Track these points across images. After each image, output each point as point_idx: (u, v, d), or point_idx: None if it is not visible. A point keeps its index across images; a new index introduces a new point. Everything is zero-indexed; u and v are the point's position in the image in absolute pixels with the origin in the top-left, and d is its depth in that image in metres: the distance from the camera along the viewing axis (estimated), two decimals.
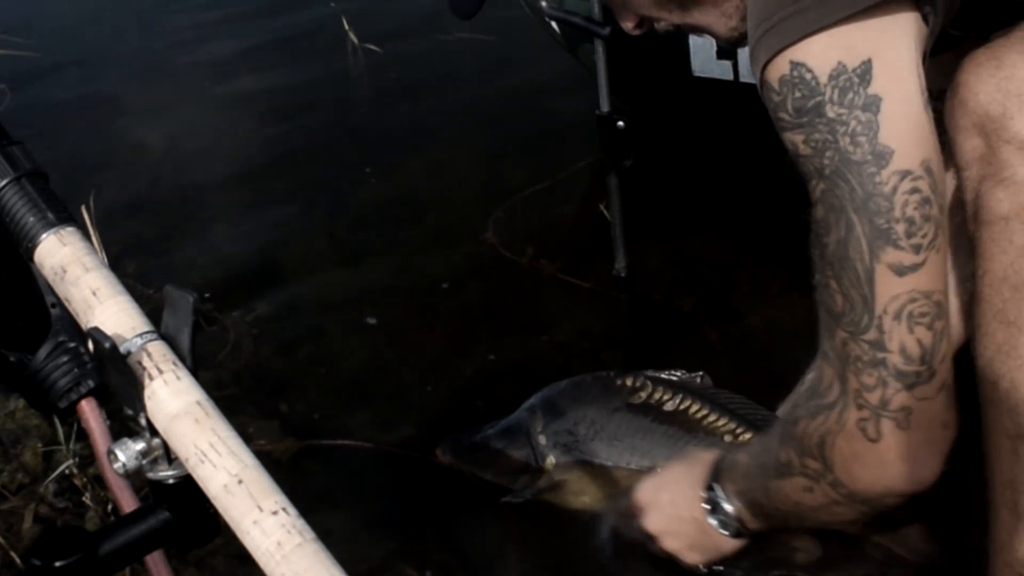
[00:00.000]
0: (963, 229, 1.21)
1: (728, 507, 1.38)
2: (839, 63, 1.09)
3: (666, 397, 1.57)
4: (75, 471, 1.70)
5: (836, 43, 1.09)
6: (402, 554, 1.57)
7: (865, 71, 1.09)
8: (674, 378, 1.60)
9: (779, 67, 1.11)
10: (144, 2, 3.42)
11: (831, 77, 1.09)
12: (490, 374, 1.86)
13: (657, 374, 1.61)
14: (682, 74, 2.03)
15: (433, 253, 2.19)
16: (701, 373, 1.62)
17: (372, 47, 2.90)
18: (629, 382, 1.59)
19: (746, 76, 1.96)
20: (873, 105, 1.09)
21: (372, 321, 2.03)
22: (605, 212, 2.05)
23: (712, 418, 1.54)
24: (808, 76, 1.10)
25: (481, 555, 1.57)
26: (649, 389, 1.58)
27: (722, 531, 1.40)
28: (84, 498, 1.67)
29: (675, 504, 1.43)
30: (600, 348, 1.88)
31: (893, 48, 1.10)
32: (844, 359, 1.18)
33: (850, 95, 1.09)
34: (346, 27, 2.91)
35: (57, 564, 0.76)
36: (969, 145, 1.18)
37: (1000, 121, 1.15)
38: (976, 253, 1.19)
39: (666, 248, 2.11)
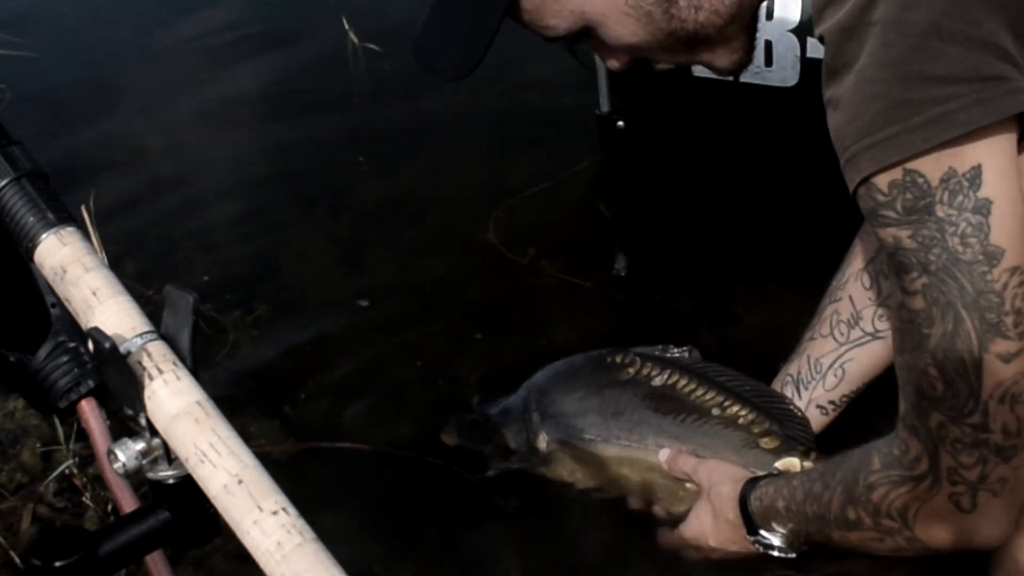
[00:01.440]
0: None
1: (782, 544, 1.44)
2: (950, 168, 1.12)
3: (654, 373, 1.59)
4: (75, 471, 1.70)
5: (947, 153, 1.11)
6: (402, 554, 1.57)
7: (975, 176, 1.12)
8: (662, 354, 1.62)
9: (890, 175, 1.13)
10: (144, 2, 3.41)
11: (942, 180, 1.12)
12: (490, 374, 1.86)
13: (646, 350, 1.62)
14: (682, 75, 2.03)
15: (433, 253, 2.19)
16: (689, 347, 1.63)
17: (372, 47, 2.90)
18: (619, 359, 1.61)
19: (746, 77, 1.96)
20: (984, 208, 1.12)
21: (372, 321, 2.03)
22: (605, 212, 2.05)
23: (700, 392, 1.56)
24: (920, 180, 1.13)
25: (480, 555, 1.57)
26: (637, 365, 1.60)
27: (785, 556, 1.45)
28: (84, 498, 1.67)
29: (725, 543, 1.49)
30: (600, 348, 1.88)
31: (1000, 153, 1.13)
32: (939, 440, 1.20)
33: (960, 197, 1.12)
34: (346, 27, 2.91)
35: (57, 564, 0.76)
36: None
37: None
38: None
39: (666, 248, 2.11)
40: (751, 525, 1.44)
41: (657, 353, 1.62)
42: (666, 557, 1.51)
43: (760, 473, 1.49)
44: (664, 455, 1.55)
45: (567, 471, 1.60)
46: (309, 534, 0.68)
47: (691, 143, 2.34)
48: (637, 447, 1.55)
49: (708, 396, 1.56)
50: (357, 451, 1.75)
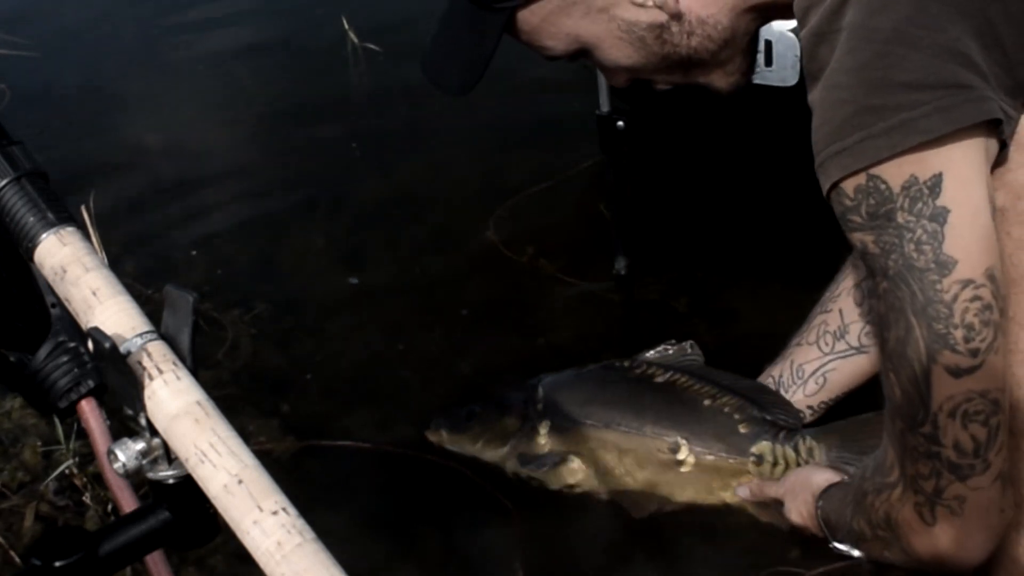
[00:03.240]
0: None
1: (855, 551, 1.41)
2: (912, 175, 1.12)
3: (658, 372, 1.67)
4: (75, 470, 1.70)
5: (910, 159, 1.12)
6: (402, 554, 1.57)
7: (935, 183, 1.12)
8: (668, 354, 1.71)
9: (856, 180, 1.15)
10: (144, 1, 3.41)
11: (903, 188, 1.13)
12: (490, 373, 1.86)
13: (652, 355, 1.71)
14: None
15: (433, 253, 2.19)
16: (691, 342, 1.71)
17: (372, 47, 2.90)
18: (627, 363, 1.71)
19: None
20: (940, 216, 1.12)
21: (372, 319, 2.03)
22: (605, 212, 2.05)
23: (696, 386, 1.64)
24: (883, 187, 1.13)
25: (481, 554, 1.57)
26: (644, 367, 1.69)
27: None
28: (84, 497, 1.67)
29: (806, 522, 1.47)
30: (599, 348, 1.88)
31: (964, 162, 1.13)
32: (902, 446, 1.22)
33: (919, 204, 1.12)
34: (346, 27, 2.91)
35: (57, 564, 0.76)
36: None
37: None
38: None
39: (665, 248, 2.11)
40: (829, 538, 1.43)
41: (662, 350, 1.70)
42: (666, 556, 1.51)
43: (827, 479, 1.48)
44: (744, 493, 1.56)
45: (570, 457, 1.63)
46: (309, 534, 0.68)
47: (691, 143, 2.34)
48: (636, 433, 1.60)
49: (703, 389, 1.63)
50: (357, 450, 1.75)
